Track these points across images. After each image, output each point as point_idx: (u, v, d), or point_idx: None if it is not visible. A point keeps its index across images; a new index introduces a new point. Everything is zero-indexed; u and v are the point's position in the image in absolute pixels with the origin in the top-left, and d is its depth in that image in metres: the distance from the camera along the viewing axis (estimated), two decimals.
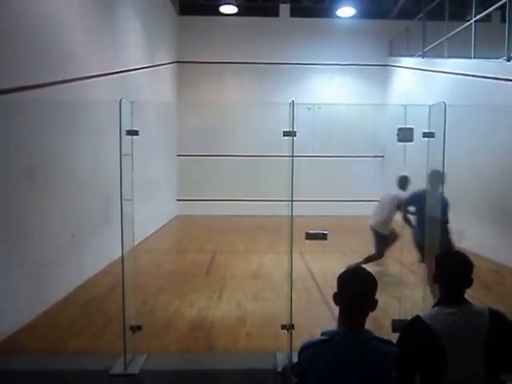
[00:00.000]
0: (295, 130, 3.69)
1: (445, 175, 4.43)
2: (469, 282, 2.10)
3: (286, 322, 3.76)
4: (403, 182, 6.07)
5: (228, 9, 13.26)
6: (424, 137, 3.68)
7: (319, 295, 5.62)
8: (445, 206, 4.72)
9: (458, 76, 9.22)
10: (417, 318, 2.09)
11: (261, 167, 13.49)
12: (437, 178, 4.58)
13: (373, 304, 1.96)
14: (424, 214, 4.58)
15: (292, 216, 3.80)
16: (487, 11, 8.45)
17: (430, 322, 2.03)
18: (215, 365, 3.81)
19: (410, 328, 2.13)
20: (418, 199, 5.08)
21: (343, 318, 1.99)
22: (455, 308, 2.04)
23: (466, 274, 2.10)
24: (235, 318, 4.77)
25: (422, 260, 4.80)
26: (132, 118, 3.66)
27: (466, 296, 2.12)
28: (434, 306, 2.14)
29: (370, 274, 2.01)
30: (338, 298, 2.00)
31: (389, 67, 13.96)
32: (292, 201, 3.91)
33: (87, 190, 6.25)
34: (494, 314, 2.04)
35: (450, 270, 2.12)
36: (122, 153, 3.55)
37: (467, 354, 1.97)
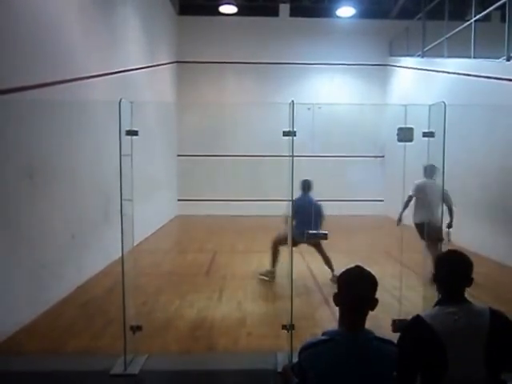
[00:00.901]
0: (295, 129, 3.68)
1: (311, 183, 6.49)
2: (468, 282, 2.10)
3: (286, 321, 3.75)
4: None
5: (228, 9, 13.24)
6: (424, 136, 3.67)
7: (320, 295, 5.62)
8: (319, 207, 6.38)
9: (458, 76, 9.21)
10: (417, 318, 2.09)
11: (261, 167, 13.48)
12: (306, 184, 6.44)
13: (373, 303, 1.96)
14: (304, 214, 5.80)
15: (293, 216, 3.80)
16: (487, 11, 8.44)
17: (430, 321, 2.02)
18: (215, 365, 3.81)
19: (410, 328, 2.13)
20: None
21: (343, 318, 1.99)
22: (456, 308, 2.04)
23: (466, 273, 2.10)
24: (235, 318, 4.77)
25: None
26: (132, 118, 3.66)
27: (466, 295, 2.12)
28: (435, 306, 2.14)
29: (370, 273, 2.01)
30: (338, 298, 1.99)
31: (389, 67, 13.96)
32: (292, 201, 3.91)
33: (87, 190, 6.24)
34: (495, 314, 2.04)
35: (450, 269, 2.12)
36: (122, 153, 3.55)
37: (468, 354, 1.96)
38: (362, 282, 1.97)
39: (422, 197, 6.32)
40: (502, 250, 7.21)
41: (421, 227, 6.26)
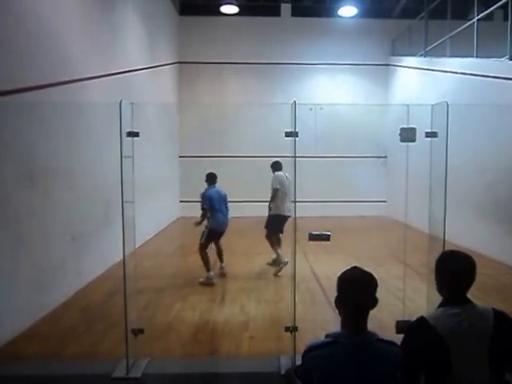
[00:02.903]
0: (297, 130, 3.66)
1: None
2: (472, 282, 2.08)
3: (289, 324, 3.73)
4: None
5: (229, 9, 13.22)
6: (427, 137, 3.64)
7: (323, 296, 5.59)
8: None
9: (461, 75, 9.17)
10: (421, 319, 2.07)
11: (263, 168, 13.42)
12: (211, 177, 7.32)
13: (374, 303, 1.94)
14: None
15: (295, 217, 3.78)
16: (489, 10, 8.39)
17: (434, 323, 2.01)
18: (218, 368, 3.79)
19: (414, 329, 2.11)
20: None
21: (346, 320, 1.97)
22: (459, 309, 2.02)
23: (469, 273, 2.08)
24: (238, 320, 4.74)
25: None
26: (132, 119, 3.64)
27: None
28: (438, 307, 2.12)
29: (369, 273, 1.98)
30: (340, 301, 1.97)
31: (391, 66, 13.93)
32: (295, 202, 3.88)
33: (88, 192, 6.22)
34: (499, 315, 2.03)
35: (453, 270, 2.10)
36: (123, 154, 3.52)
37: (472, 355, 1.95)
38: (363, 284, 1.95)
39: (282, 190, 6.66)
40: (508, 251, 7.15)
41: (285, 220, 6.51)
